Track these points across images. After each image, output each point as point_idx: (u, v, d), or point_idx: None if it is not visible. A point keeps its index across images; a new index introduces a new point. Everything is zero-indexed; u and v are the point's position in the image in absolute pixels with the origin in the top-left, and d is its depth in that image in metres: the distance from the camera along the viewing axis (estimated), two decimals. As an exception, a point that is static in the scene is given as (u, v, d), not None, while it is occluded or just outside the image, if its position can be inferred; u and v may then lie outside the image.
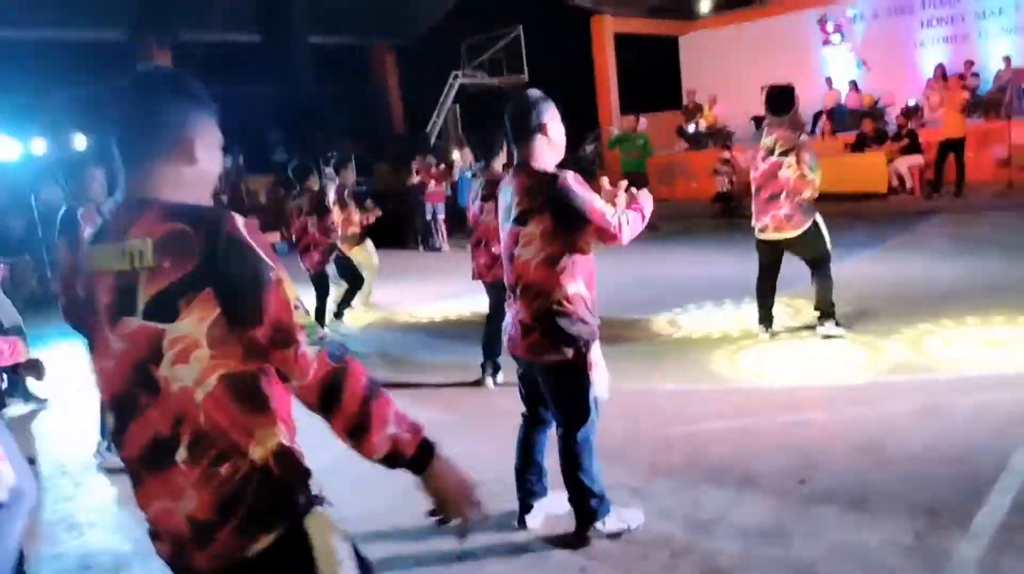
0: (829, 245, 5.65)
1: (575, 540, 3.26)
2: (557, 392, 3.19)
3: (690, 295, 7.44)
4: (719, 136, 16.41)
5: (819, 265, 5.67)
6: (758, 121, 17.61)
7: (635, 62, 20.53)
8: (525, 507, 3.43)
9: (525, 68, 18.53)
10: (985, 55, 16.42)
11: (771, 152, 5.52)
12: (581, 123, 20.00)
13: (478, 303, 6.47)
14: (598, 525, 3.24)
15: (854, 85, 17.27)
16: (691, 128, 17.15)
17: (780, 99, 5.62)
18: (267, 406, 1.55)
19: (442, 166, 13.68)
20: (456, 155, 14.02)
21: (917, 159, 12.66)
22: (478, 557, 3.24)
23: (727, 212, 13.43)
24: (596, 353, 3.17)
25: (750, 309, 6.33)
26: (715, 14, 20.73)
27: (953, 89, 12.55)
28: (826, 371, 5.13)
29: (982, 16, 17.07)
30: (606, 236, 3.04)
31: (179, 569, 1.63)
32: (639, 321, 6.80)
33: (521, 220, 3.10)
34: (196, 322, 1.47)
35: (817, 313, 5.76)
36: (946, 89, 12.73)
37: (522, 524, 3.43)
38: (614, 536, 3.24)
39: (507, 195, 3.23)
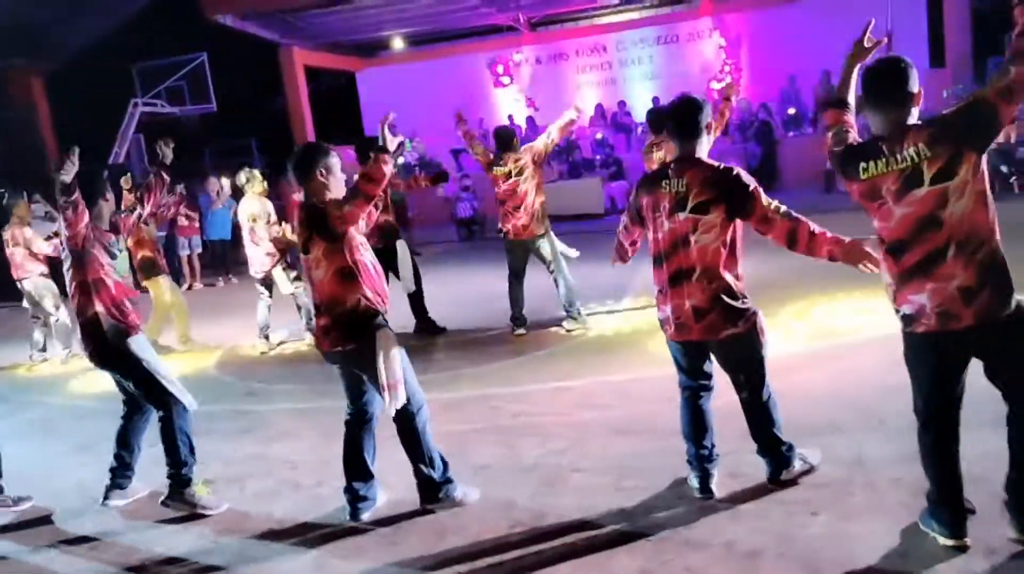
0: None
1: (775, 488, 3.53)
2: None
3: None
4: (432, 167, 17.05)
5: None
6: (456, 152, 18.75)
7: (319, 94, 20.42)
8: (707, 476, 3.59)
9: (213, 98, 17.42)
10: (633, 97, 19.35)
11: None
12: (278, 154, 19.38)
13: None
14: (784, 473, 3.56)
15: (531, 122, 19.06)
16: (401, 160, 17.57)
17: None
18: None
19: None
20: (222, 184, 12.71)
21: (624, 184, 14.53)
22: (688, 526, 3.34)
23: (473, 235, 14.08)
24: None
25: (629, 306, 7.09)
26: (391, 53, 21.51)
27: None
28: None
29: (625, 64, 20.09)
30: None
31: (942, 337, 2.75)
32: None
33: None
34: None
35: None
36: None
37: (707, 492, 3.58)
38: (804, 475, 3.57)
39: None
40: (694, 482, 3.61)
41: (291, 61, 18.56)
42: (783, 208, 3.36)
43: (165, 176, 4.66)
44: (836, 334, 5.91)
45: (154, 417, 4.33)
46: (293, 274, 7.55)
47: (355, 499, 3.82)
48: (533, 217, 6.70)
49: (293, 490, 4.31)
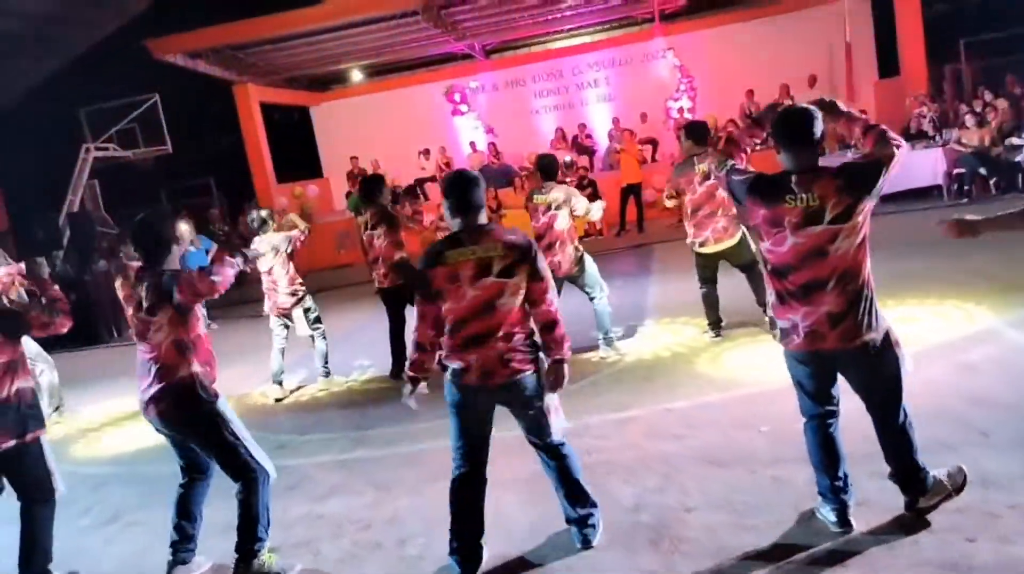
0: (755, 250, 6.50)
1: (915, 516, 3.35)
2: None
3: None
4: (410, 194, 16.85)
5: (751, 268, 6.45)
6: (420, 182, 18.46)
7: (273, 130, 19.97)
8: (845, 508, 3.40)
9: (167, 139, 16.84)
10: (592, 119, 19.39)
11: (707, 176, 6.24)
12: (237, 193, 18.87)
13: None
14: (923, 500, 3.38)
15: (493, 147, 18.92)
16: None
17: (700, 131, 6.60)
18: None
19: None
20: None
21: (600, 204, 14.43)
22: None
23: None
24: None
25: (655, 329, 6.98)
26: (346, 86, 21.22)
27: (630, 142, 14.62)
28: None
29: (582, 88, 20.15)
30: None
31: None
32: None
33: None
34: None
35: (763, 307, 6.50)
36: (625, 142, 14.76)
37: (846, 525, 3.38)
38: (944, 500, 3.39)
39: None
40: (830, 516, 3.41)
41: (246, 98, 18.13)
42: (873, 132, 3.34)
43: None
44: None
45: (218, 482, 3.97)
46: (314, 315, 7.21)
47: (467, 558, 3.54)
48: (568, 259, 6.55)
49: (375, 552, 3.98)
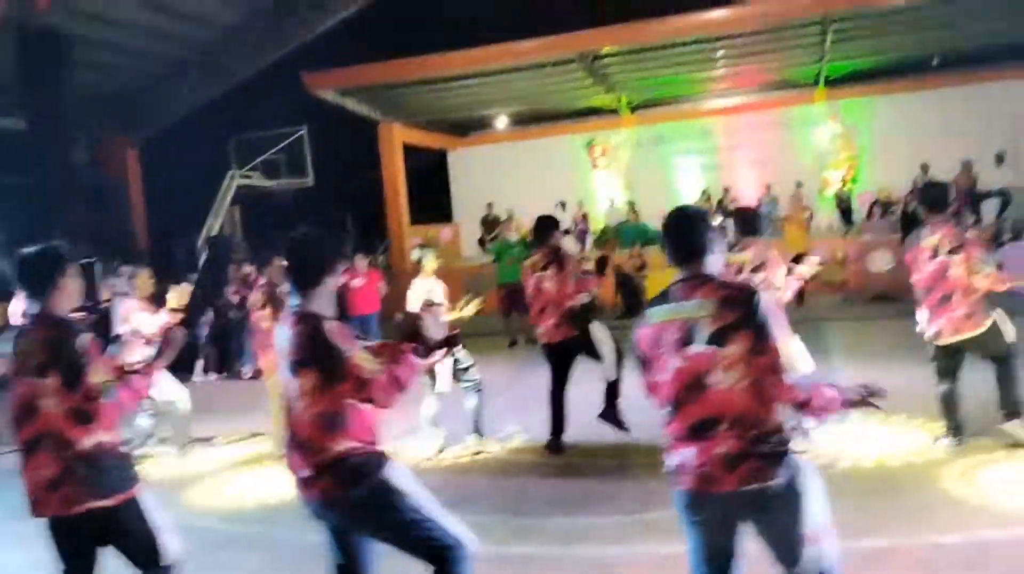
0: (1010, 339, 5.28)
1: None
2: None
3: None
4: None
5: (1003, 362, 5.27)
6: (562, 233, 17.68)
7: (408, 171, 19.75)
8: None
9: (310, 171, 16.74)
10: (739, 183, 18.25)
11: (936, 252, 5.18)
12: (370, 231, 18.62)
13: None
14: None
15: (632, 206, 18.01)
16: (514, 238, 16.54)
17: (937, 194, 5.46)
18: None
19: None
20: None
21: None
22: None
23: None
24: None
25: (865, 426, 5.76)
26: (485, 132, 20.86)
27: (796, 210, 13.51)
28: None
29: (730, 149, 19.06)
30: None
31: None
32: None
33: None
34: None
35: (1003, 412, 5.29)
36: (791, 208, 13.69)
37: None
38: None
39: None
40: None
41: (390, 138, 17.91)
42: None
43: None
44: None
45: None
46: (465, 364, 6.40)
47: None
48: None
49: None
